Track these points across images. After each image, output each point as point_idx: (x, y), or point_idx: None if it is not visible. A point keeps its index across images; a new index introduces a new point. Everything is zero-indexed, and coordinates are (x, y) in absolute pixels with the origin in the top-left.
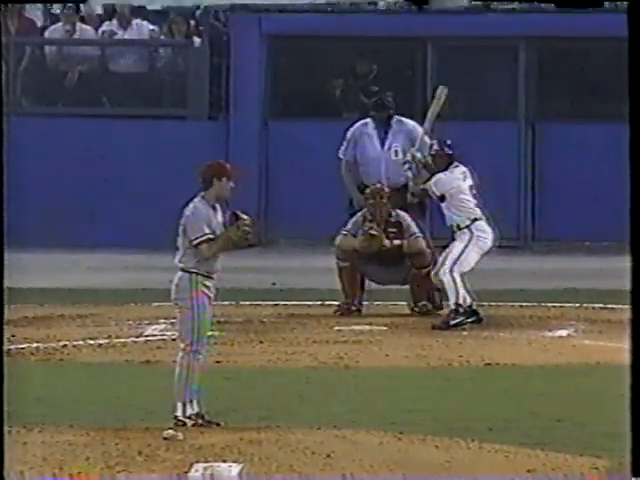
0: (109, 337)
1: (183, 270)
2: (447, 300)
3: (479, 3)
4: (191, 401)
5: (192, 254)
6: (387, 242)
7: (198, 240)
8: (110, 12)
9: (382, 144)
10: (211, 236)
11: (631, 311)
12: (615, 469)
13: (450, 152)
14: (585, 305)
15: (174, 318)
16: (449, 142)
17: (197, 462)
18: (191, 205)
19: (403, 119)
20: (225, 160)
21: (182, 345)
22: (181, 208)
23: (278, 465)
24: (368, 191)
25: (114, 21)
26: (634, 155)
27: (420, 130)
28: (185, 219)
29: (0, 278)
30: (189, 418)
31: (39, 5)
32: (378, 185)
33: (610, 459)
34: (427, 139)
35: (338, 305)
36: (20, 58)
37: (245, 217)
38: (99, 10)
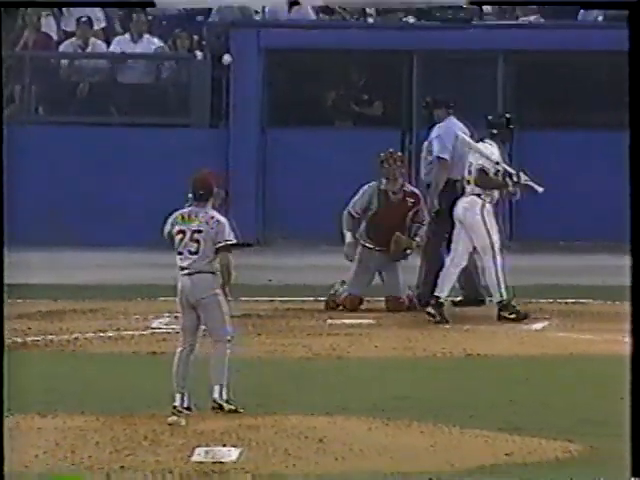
0: (118, 330)
1: (206, 272)
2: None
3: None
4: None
5: (213, 257)
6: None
7: (230, 243)
8: (126, 25)
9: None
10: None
11: (631, 308)
12: (587, 453)
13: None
14: (559, 300)
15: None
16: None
17: (199, 446)
18: (213, 214)
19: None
20: (208, 171)
21: (221, 338)
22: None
23: (274, 449)
24: (382, 155)
25: (127, 35)
26: (634, 156)
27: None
28: (215, 225)
29: (0, 276)
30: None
31: (53, 22)
32: (391, 150)
33: (582, 443)
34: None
35: (326, 301)
36: (36, 70)
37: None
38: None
